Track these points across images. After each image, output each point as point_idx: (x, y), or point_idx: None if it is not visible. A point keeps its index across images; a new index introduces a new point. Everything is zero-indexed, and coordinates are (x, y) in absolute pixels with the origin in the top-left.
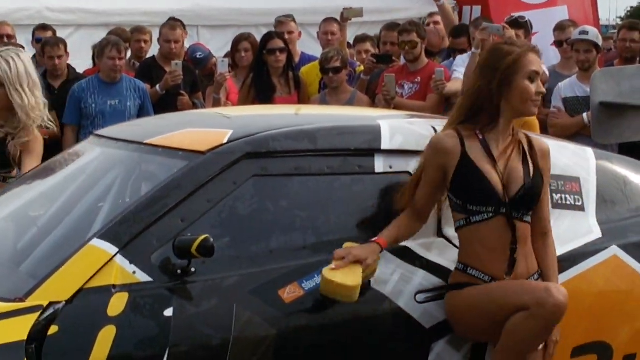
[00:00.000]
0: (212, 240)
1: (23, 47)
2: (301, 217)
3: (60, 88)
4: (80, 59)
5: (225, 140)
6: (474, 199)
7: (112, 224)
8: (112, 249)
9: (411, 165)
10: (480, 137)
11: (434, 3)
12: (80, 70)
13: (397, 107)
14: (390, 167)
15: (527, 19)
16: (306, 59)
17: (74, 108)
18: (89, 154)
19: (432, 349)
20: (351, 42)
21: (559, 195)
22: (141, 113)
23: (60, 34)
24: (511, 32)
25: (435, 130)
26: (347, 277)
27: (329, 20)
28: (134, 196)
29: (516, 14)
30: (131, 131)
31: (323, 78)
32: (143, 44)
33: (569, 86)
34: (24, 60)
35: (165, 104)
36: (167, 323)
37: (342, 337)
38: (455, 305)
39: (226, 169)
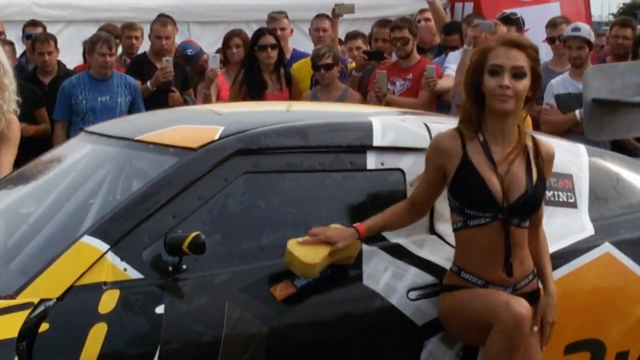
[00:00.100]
0: (203, 237)
1: (12, 44)
2: (293, 213)
3: (51, 84)
4: (70, 55)
5: (216, 137)
6: (472, 204)
7: (103, 221)
8: (103, 246)
9: (403, 162)
10: (482, 139)
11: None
12: (70, 66)
13: (388, 104)
14: (382, 164)
15: (519, 15)
16: (297, 55)
17: (65, 104)
18: (79, 151)
19: (424, 346)
20: (342, 38)
21: (551, 193)
22: (132, 109)
23: (50, 30)
24: (503, 29)
25: (428, 127)
26: (308, 254)
27: (320, 16)
28: (125, 193)
29: (508, 11)
30: (122, 128)
31: (314, 75)
32: (134, 40)
33: (561, 83)
34: None
35: (156, 100)
36: (159, 320)
37: (334, 335)
38: (446, 307)
39: (217, 165)
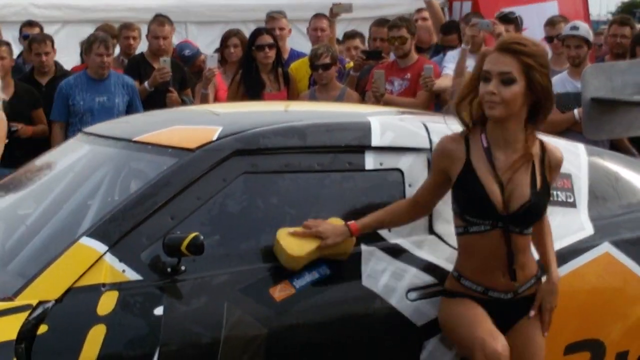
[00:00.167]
0: (202, 238)
1: (9, 44)
2: (291, 214)
3: (48, 85)
4: (67, 56)
5: (214, 137)
6: (471, 211)
7: (101, 222)
8: (101, 247)
9: (402, 162)
10: (485, 145)
11: None
12: (67, 67)
13: (386, 104)
14: (381, 164)
15: (517, 14)
16: (295, 55)
17: (62, 105)
18: (77, 152)
19: (424, 347)
20: (340, 38)
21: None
22: (130, 109)
23: (47, 30)
24: (500, 28)
25: (427, 127)
26: (295, 245)
27: (318, 16)
28: (123, 194)
29: (506, 9)
30: (120, 128)
31: (312, 74)
32: (131, 41)
33: (560, 82)
34: None
35: (154, 101)
36: (158, 322)
37: (333, 336)
38: (442, 316)
39: (216, 166)
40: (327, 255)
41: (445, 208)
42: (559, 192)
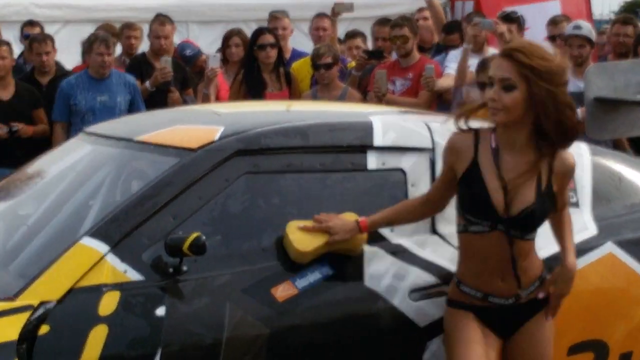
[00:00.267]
0: (204, 238)
1: (9, 44)
2: (293, 214)
3: (48, 85)
4: (68, 55)
5: (216, 137)
6: (471, 210)
7: (102, 222)
8: (103, 248)
9: (404, 162)
10: (493, 146)
11: None
12: (69, 66)
13: (388, 104)
14: (383, 164)
15: (519, 13)
16: (296, 54)
17: (63, 105)
18: (78, 152)
19: (427, 347)
20: (342, 38)
21: None
22: (132, 108)
23: (48, 30)
24: (502, 28)
25: (429, 127)
26: (303, 239)
27: (320, 15)
28: (125, 194)
29: (509, 9)
30: (121, 128)
31: (314, 74)
32: (133, 41)
33: None
34: None
35: (156, 100)
36: (159, 322)
37: (335, 336)
38: (445, 325)
39: (217, 166)
40: (337, 251)
41: (447, 208)
42: None
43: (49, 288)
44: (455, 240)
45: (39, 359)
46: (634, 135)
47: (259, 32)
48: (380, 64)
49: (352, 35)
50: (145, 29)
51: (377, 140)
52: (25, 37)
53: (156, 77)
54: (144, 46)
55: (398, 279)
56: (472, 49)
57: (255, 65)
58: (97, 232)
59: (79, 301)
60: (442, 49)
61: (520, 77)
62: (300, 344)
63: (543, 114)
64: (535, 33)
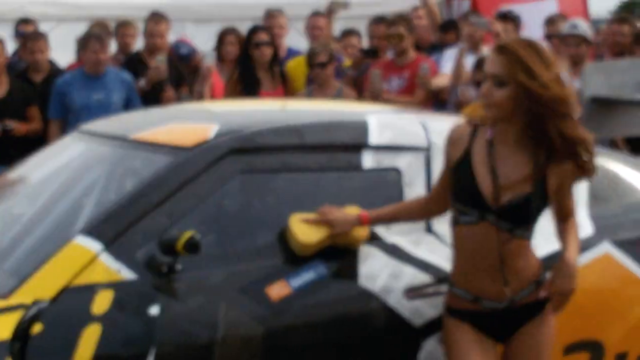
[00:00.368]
0: (198, 237)
1: (2, 41)
2: (288, 213)
3: (42, 83)
4: (63, 53)
5: (211, 136)
6: (459, 197)
7: (96, 221)
8: (96, 247)
9: (400, 161)
10: (489, 137)
11: None
12: (63, 64)
13: (384, 103)
14: (379, 163)
15: (516, 13)
16: (292, 53)
17: (58, 102)
18: (73, 150)
19: (422, 347)
20: (337, 36)
21: None
22: (128, 106)
23: (42, 27)
24: (498, 27)
25: (425, 126)
26: (305, 232)
27: (315, 14)
28: (119, 192)
29: (505, 8)
30: (116, 126)
31: (309, 73)
32: (129, 39)
33: None
34: None
35: (150, 99)
36: (153, 321)
37: (330, 336)
38: (443, 333)
39: (212, 164)
40: (339, 244)
41: None
42: None
43: (42, 287)
44: (450, 239)
45: (32, 358)
46: (631, 134)
47: (253, 30)
48: (376, 62)
49: (347, 33)
50: (141, 26)
51: (373, 140)
52: (19, 35)
53: (151, 75)
54: (139, 44)
55: (393, 278)
56: (468, 48)
57: (250, 63)
58: (91, 231)
59: (73, 300)
60: (438, 47)
61: (511, 72)
62: (294, 344)
63: (536, 108)
64: (532, 32)
